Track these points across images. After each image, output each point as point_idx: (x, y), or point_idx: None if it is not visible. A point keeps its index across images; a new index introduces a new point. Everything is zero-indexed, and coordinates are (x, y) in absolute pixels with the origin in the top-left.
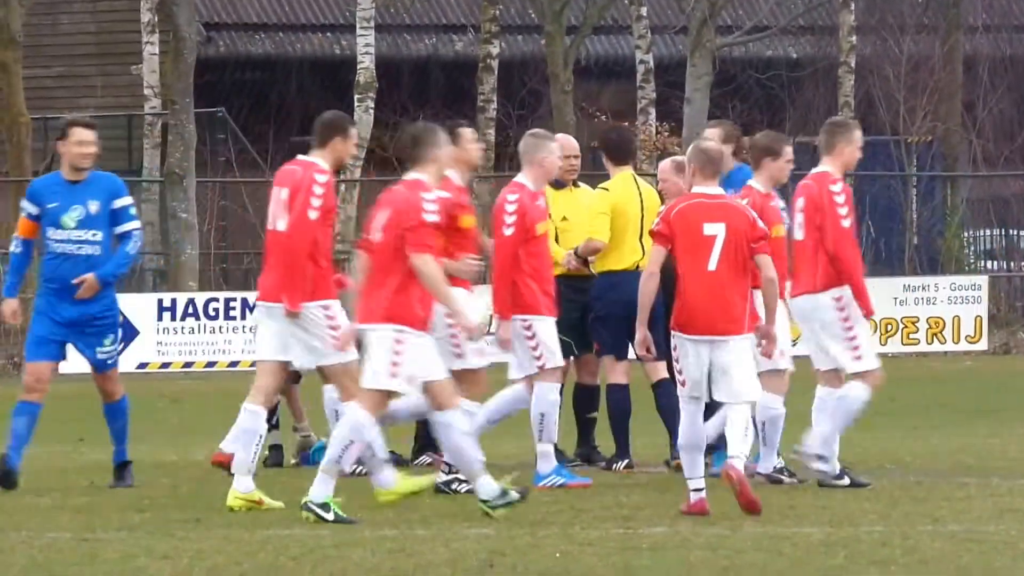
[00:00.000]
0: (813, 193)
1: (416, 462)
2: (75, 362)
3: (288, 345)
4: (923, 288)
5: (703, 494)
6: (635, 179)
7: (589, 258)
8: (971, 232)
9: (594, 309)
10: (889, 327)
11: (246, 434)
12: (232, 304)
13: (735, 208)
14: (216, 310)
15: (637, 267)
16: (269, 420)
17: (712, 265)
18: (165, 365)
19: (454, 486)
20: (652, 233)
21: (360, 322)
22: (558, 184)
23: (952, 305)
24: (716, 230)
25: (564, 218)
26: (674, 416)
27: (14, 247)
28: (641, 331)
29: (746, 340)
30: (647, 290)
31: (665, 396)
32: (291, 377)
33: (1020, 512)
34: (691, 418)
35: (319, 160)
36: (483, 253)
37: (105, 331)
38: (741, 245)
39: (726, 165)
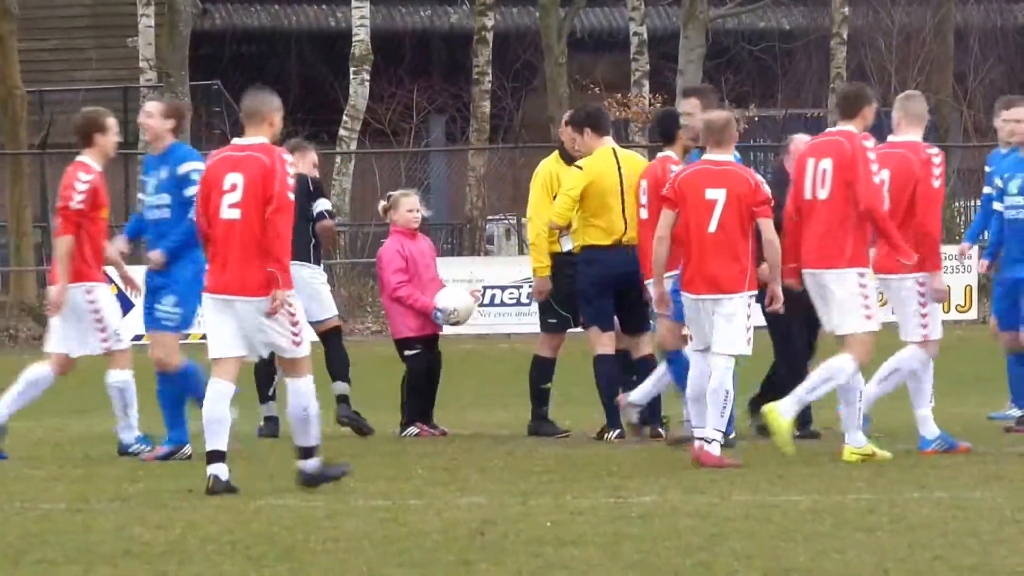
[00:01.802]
0: None
1: (404, 434)
2: None
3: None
4: None
5: (705, 444)
6: (615, 152)
7: (563, 238)
8: (961, 202)
9: (578, 283)
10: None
11: (847, 392)
12: None
13: (738, 174)
14: None
15: (620, 242)
16: (266, 392)
17: (712, 227)
18: None
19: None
20: (661, 198)
21: None
22: (569, 159)
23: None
24: (717, 195)
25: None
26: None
27: None
28: (658, 289)
29: (742, 298)
30: (658, 252)
31: (648, 371)
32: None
33: (1006, 479)
34: (699, 370)
35: (852, 127)
36: None
37: None
38: (742, 209)
39: (164, 141)
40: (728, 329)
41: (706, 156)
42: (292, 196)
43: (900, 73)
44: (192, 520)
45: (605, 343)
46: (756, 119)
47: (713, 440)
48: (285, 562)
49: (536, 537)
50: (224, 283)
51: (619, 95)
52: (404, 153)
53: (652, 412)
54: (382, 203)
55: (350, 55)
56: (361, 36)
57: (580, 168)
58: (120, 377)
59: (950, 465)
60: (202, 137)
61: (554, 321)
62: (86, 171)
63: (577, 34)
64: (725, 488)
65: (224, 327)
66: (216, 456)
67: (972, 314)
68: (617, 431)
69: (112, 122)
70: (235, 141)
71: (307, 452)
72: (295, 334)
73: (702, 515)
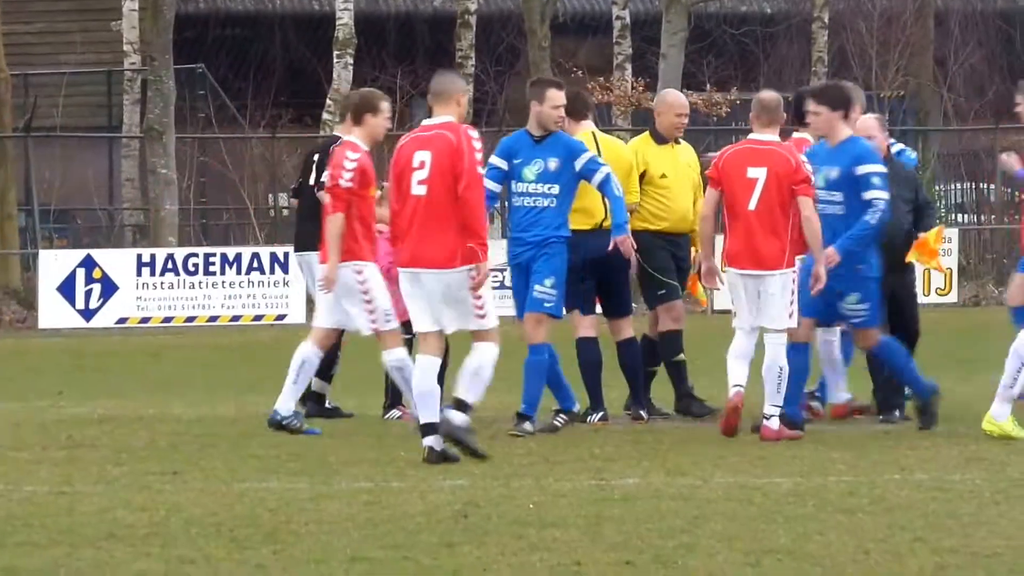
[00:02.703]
0: None
1: (387, 417)
2: (53, 318)
3: None
4: None
5: (741, 390)
6: (595, 136)
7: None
8: (942, 186)
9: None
10: None
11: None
12: (211, 259)
13: (779, 154)
14: (195, 265)
15: (600, 226)
16: None
17: (752, 205)
18: (145, 320)
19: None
20: (707, 176)
21: None
22: (661, 139)
23: None
24: (758, 173)
25: (663, 175)
26: (635, 373)
27: None
28: (707, 263)
29: (785, 275)
30: (703, 230)
31: (630, 354)
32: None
33: (985, 461)
34: (741, 341)
35: None
36: None
37: None
38: (782, 187)
39: None
40: (773, 305)
41: (752, 136)
42: (482, 170)
43: (881, 57)
44: (176, 502)
45: (586, 326)
46: (738, 103)
47: (772, 416)
48: (269, 544)
49: (519, 519)
50: (410, 256)
51: (602, 79)
52: (388, 136)
53: (635, 396)
54: (377, 192)
55: (334, 39)
56: (345, 20)
57: None
58: (395, 356)
59: (930, 447)
60: (186, 120)
61: (663, 292)
62: (354, 150)
63: (560, 18)
64: (707, 470)
65: (419, 302)
66: (430, 428)
67: (953, 297)
68: (600, 414)
69: (386, 106)
70: (424, 122)
71: (461, 405)
72: (479, 307)
73: (684, 497)
